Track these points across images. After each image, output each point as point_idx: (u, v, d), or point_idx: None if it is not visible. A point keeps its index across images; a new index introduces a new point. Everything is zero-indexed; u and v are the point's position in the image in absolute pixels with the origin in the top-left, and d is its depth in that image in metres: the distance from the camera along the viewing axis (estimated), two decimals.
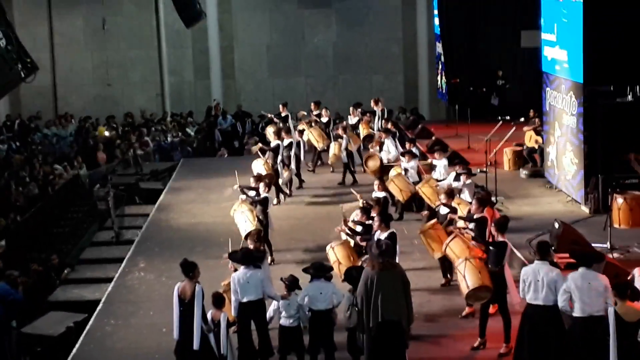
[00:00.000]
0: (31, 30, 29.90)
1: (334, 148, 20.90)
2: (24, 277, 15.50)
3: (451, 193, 14.30)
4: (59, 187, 21.80)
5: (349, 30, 31.91)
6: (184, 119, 30.09)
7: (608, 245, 13.86)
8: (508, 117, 21.57)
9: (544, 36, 18.79)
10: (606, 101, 16.79)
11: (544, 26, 18.81)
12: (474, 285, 11.27)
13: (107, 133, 27.98)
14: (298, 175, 20.29)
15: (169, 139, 27.73)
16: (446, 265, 13.61)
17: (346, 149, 20.46)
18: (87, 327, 13.21)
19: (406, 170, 17.50)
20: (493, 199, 17.27)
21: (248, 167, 18.63)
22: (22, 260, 16.58)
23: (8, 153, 25.55)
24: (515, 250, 13.97)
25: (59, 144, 27.56)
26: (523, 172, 20.11)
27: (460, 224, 13.20)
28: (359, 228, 13.23)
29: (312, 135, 20.96)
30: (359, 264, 12.22)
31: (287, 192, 19.76)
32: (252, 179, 16.39)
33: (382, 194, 15.42)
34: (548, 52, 18.54)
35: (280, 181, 19.03)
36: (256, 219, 14.86)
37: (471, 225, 12.55)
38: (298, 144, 19.89)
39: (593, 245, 13.38)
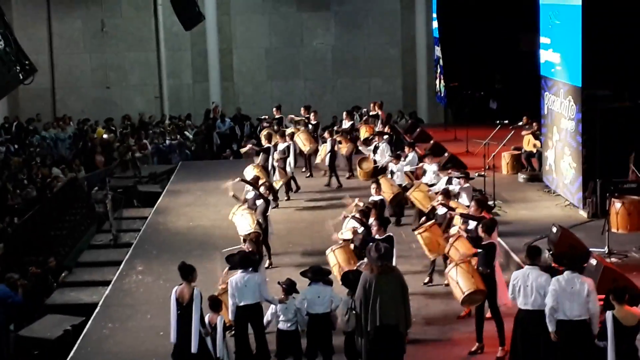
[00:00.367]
0: (30, 32, 29.88)
1: (320, 150, 20.92)
2: (23, 280, 15.48)
3: (448, 193, 14.36)
4: (57, 189, 21.75)
5: (348, 33, 31.91)
6: (182, 122, 30.07)
7: (606, 249, 13.86)
8: (506, 121, 21.55)
9: (543, 40, 18.80)
10: (605, 105, 16.80)
11: (543, 30, 18.82)
12: (469, 289, 11.26)
13: (105, 135, 27.95)
14: (294, 179, 20.31)
15: (167, 141, 27.70)
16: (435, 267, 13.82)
17: (331, 152, 20.47)
18: (85, 330, 13.19)
19: (392, 172, 17.53)
20: (491, 202, 17.31)
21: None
22: (20, 263, 16.55)
23: (6, 155, 25.51)
24: (513, 254, 14.00)
25: (57, 147, 27.52)
26: (521, 176, 20.11)
27: (457, 221, 13.28)
28: (359, 230, 13.23)
29: (299, 139, 20.94)
30: (355, 268, 12.20)
31: (286, 196, 19.78)
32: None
33: (378, 198, 15.41)
34: (546, 56, 18.55)
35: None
36: (256, 222, 14.85)
37: (470, 226, 12.56)
38: (289, 147, 19.86)
39: (591, 249, 13.36)
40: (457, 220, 13.44)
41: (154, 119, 30.46)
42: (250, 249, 12.24)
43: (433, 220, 14.07)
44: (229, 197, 16.22)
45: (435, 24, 28.57)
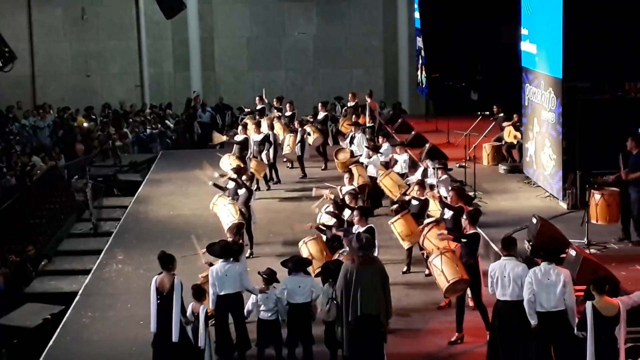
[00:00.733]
0: (10, 20, 29.69)
1: (288, 140, 20.51)
2: (3, 268, 15.42)
3: (422, 183, 14.42)
4: (36, 178, 21.64)
5: (330, 23, 31.88)
6: (163, 111, 29.96)
7: (585, 241, 13.93)
8: (487, 113, 21.62)
9: (524, 32, 18.85)
10: (585, 97, 16.86)
11: (524, 22, 18.86)
12: (453, 278, 11.30)
13: (85, 124, 27.80)
14: (275, 170, 20.29)
15: (148, 130, 27.60)
16: (412, 255, 13.97)
17: (301, 142, 20.43)
18: (64, 319, 13.15)
19: (366, 165, 17.51)
20: (471, 193, 17.37)
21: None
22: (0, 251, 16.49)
23: None
24: (492, 244, 14.05)
25: (37, 135, 27.35)
26: (502, 168, 20.17)
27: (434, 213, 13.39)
28: (331, 222, 13.26)
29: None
30: (335, 258, 12.23)
31: (266, 185, 19.77)
32: (230, 172, 16.38)
33: (351, 187, 15.30)
34: (527, 48, 18.60)
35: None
36: (238, 212, 14.83)
37: (447, 215, 12.63)
38: (268, 137, 19.79)
39: (571, 241, 13.44)
40: (433, 207, 13.59)
41: (135, 108, 30.33)
42: (230, 239, 12.22)
43: (406, 210, 14.13)
44: (210, 186, 16.22)
45: (417, 15, 28.58)
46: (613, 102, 16.99)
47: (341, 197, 14.35)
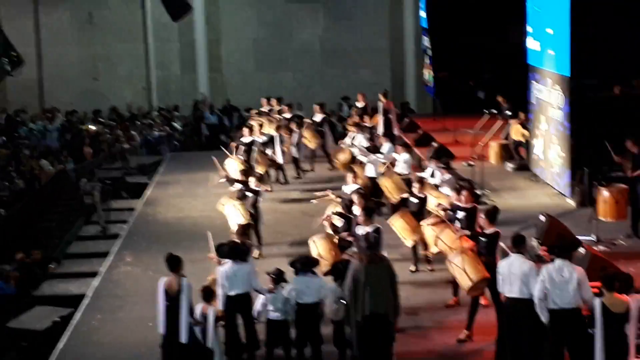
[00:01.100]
0: (17, 24, 29.68)
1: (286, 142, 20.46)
2: (15, 272, 15.45)
3: (422, 181, 14.42)
4: (45, 181, 21.70)
5: (336, 24, 31.84)
6: (170, 113, 30.00)
7: (594, 238, 13.89)
8: (495, 111, 21.58)
9: (530, 30, 18.81)
10: (592, 94, 16.83)
11: (530, 20, 18.83)
12: (478, 278, 11.23)
13: (93, 127, 27.85)
14: (282, 171, 20.30)
15: (155, 133, 27.63)
16: (418, 253, 14.02)
17: (297, 144, 20.39)
18: (73, 321, 13.16)
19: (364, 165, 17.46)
20: (479, 191, 17.32)
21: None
22: (9, 255, 16.50)
23: None
24: (501, 243, 13.99)
25: (45, 138, 27.42)
26: (509, 166, 20.13)
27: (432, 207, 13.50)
28: (340, 223, 13.23)
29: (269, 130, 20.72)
30: (343, 257, 12.22)
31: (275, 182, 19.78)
32: (238, 174, 16.40)
33: (355, 186, 15.26)
34: (534, 46, 18.57)
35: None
36: (247, 212, 14.83)
37: (460, 215, 12.59)
38: (274, 138, 19.76)
39: (579, 238, 13.40)
40: (432, 206, 13.58)
41: (142, 110, 30.37)
42: (238, 240, 12.21)
43: (405, 208, 14.10)
44: (220, 183, 16.17)
45: (423, 14, 28.54)
46: (621, 99, 16.96)
47: (344, 197, 14.31)
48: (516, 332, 10.12)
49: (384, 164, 17.42)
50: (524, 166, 19.77)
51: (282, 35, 31.90)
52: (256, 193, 15.37)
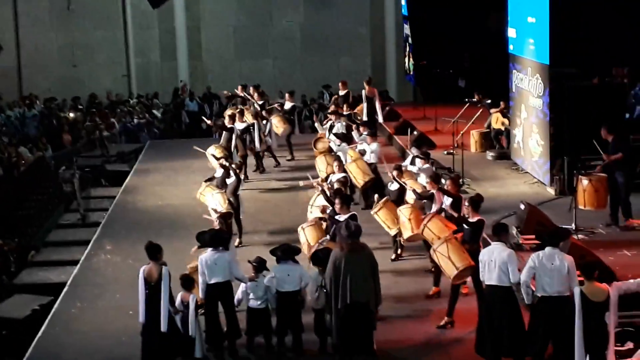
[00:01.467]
0: None
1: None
2: None
3: (400, 168, 14.41)
4: (23, 169, 21.55)
5: (317, 11, 31.78)
6: (150, 101, 29.86)
7: (573, 226, 13.94)
8: (476, 97, 21.62)
9: (511, 18, 18.83)
10: (572, 83, 16.88)
11: (510, 8, 18.84)
12: (463, 265, 11.25)
13: (72, 114, 27.68)
14: (259, 158, 20.26)
15: (135, 120, 27.50)
16: (399, 242, 13.96)
17: (270, 132, 20.36)
18: (53, 309, 13.10)
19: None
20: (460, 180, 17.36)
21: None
22: None
23: None
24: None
25: (24, 126, 27.22)
26: (489, 154, 20.17)
27: (409, 197, 13.57)
28: (328, 209, 13.21)
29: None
30: (317, 245, 12.21)
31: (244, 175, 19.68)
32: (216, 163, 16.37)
33: (341, 175, 15.29)
34: (514, 34, 18.58)
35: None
36: (227, 201, 14.79)
37: (446, 204, 12.61)
38: (253, 126, 19.69)
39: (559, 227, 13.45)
40: (409, 195, 13.62)
41: (122, 98, 30.22)
42: (217, 228, 12.18)
43: (386, 197, 14.09)
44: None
45: (403, 2, 28.52)
46: (600, 88, 17.02)
47: (329, 186, 14.32)
48: (495, 319, 10.17)
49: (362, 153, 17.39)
50: (504, 155, 19.81)
51: (263, 23, 31.80)
52: (237, 180, 15.32)
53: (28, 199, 19.80)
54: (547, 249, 9.98)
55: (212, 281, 10.97)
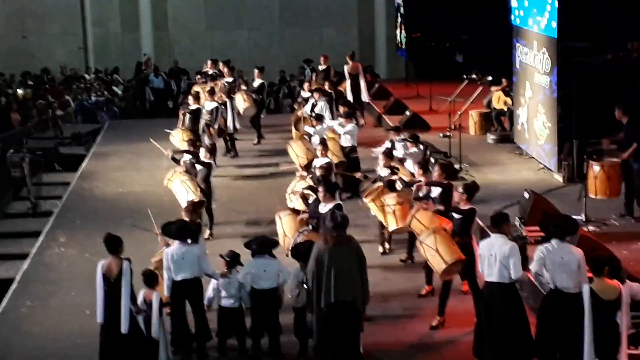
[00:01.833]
0: None
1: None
2: None
3: (390, 154, 14.44)
4: None
5: None
6: (110, 76, 29.79)
7: (583, 217, 14.04)
8: (474, 76, 21.69)
9: None
10: (583, 59, 16.94)
11: None
12: (452, 259, 11.29)
13: (21, 91, 27.58)
14: (232, 141, 20.26)
15: (92, 98, 27.42)
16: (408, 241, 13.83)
17: (238, 113, 20.39)
18: (0, 308, 13.08)
19: (310, 135, 17.41)
20: (457, 166, 17.44)
21: None
22: None
23: None
24: (480, 222, 14.10)
25: None
26: (490, 137, 20.26)
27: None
28: (311, 198, 13.23)
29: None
30: (297, 235, 12.24)
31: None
32: (185, 145, 16.37)
33: (325, 160, 15.30)
34: (519, 4, 18.63)
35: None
36: (198, 189, 14.79)
37: (434, 194, 12.65)
38: (225, 105, 19.67)
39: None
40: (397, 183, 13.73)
41: (78, 72, 30.12)
42: (187, 218, 12.18)
43: (379, 184, 14.07)
44: (167, 159, 16.16)
45: None
46: (614, 64, 17.09)
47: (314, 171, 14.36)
48: (495, 319, 10.21)
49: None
50: (506, 138, 19.91)
51: None
52: (208, 166, 15.32)
53: None
54: (555, 242, 10.03)
55: (179, 277, 10.97)
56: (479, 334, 10.51)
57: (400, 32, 28.78)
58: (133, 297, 10.59)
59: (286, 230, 12.77)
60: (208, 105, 19.32)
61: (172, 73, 29.39)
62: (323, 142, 15.86)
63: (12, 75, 29.41)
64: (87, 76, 29.93)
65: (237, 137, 20.80)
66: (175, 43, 32.01)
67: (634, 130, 14.17)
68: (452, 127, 18.92)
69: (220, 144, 19.95)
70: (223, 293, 11.10)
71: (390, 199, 13.29)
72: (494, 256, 10.17)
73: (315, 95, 19.44)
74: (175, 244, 11.14)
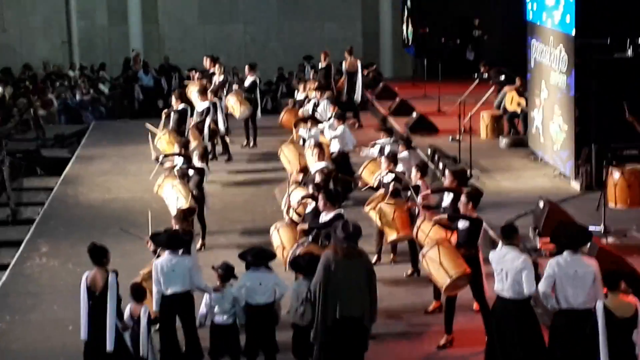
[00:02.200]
0: None
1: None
2: None
3: (394, 158, 14.45)
4: None
5: None
6: (96, 73, 29.82)
7: (602, 228, 14.05)
8: (486, 75, 21.72)
9: None
10: (602, 57, 16.96)
11: None
12: (457, 274, 11.30)
13: (0, 89, 27.62)
14: (225, 145, 20.29)
15: (77, 96, 27.47)
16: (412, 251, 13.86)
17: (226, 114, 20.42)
18: None
19: (304, 140, 17.41)
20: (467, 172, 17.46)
21: None
22: None
23: None
24: (491, 232, 14.13)
25: None
26: (503, 141, 20.27)
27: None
28: (310, 207, 13.25)
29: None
30: (296, 247, 12.26)
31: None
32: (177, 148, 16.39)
33: (323, 165, 15.29)
34: None
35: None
36: (190, 195, 14.81)
37: (445, 203, 12.66)
38: (215, 106, 19.68)
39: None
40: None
41: (61, 69, 30.16)
42: (177, 227, 12.21)
43: (382, 191, 14.06)
44: (154, 162, 16.23)
45: None
46: (636, 62, 17.10)
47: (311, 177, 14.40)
48: (508, 338, 10.22)
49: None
50: (519, 142, 19.92)
51: None
52: (201, 172, 15.34)
53: None
54: (567, 254, 10.00)
55: (169, 291, 10.99)
56: (490, 354, 10.53)
57: (407, 27, 28.83)
58: (119, 313, 10.61)
59: (284, 241, 12.77)
60: (200, 105, 19.34)
61: (162, 70, 29.42)
62: (319, 145, 15.85)
63: None
64: (71, 73, 29.98)
65: (229, 139, 20.83)
66: (166, 37, 32.04)
67: None
68: (462, 130, 18.92)
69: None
70: (216, 309, 11.06)
71: (386, 206, 13.30)
72: (504, 270, 10.18)
73: (317, 94, 19.47)
74: (165, 255, 11.15)
